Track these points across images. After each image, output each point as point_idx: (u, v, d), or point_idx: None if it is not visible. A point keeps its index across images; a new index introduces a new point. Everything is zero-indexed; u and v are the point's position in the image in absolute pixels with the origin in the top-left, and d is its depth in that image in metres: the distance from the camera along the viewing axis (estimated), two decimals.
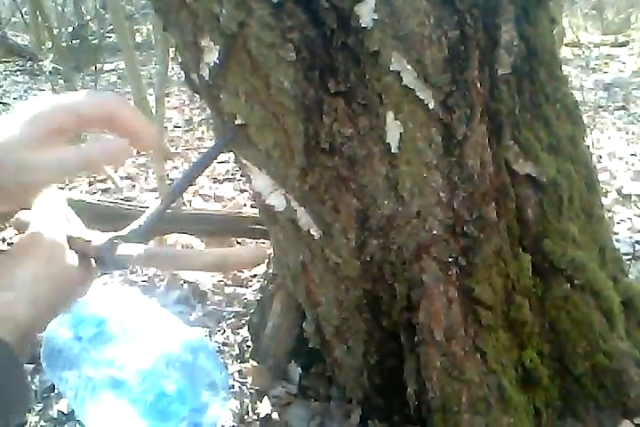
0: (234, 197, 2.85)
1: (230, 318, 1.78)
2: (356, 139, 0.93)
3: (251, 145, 0.99)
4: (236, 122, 0.97)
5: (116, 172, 3.22)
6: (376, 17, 0.85)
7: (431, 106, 0.92)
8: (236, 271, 2.07)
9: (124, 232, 0.66)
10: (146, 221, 0.70)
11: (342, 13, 0.85)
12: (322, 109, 0.91)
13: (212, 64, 0.92)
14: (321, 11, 0.85)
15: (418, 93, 0.91)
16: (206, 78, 0.95)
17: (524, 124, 1.02)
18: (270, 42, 0.86)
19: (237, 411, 1.34)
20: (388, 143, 0.93)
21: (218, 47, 0.90)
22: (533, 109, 1.03)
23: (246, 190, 2.86)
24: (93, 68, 5.66)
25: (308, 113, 0.91)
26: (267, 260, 1.51)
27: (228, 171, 3.19)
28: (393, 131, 0.92)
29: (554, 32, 1.08)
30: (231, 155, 1.23)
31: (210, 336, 1.67)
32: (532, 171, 1.03)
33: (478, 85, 0.94)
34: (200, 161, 0.90)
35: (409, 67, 0.88)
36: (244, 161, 1.06)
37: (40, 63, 5.74)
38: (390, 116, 0.91)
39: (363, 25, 0.86)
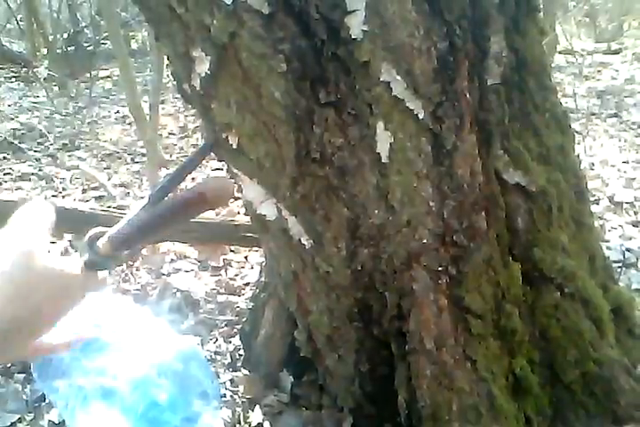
0: (227, 205, 2.85)
1: (222, 327, 1.78)
2: (347, 149, 0.94)
3: (242, 155, 0.99)
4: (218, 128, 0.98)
5: (109, 179, 3.23)
6: (366, 28, 0.86)
7: (421, 116, 0.92)
8: (228, 280, 2.08)
9: (108, 232, 0.65)
10: (127, 223, 0.69)
11: (333, 24, 0.86)
12: (312, 119, 0.91)
13: (204, 74, 0.93)
14: (311, 22, 0.85)
15: (408, 104, 0.91)
16: (198, 88, 0.96)
17: (513, 133, 1.02)
18: (261, 52, 0.87)
19: (229, 420, 1.34)
20: (379, 153, 0.94)
21: (209, 58, 0.90)
22: (523, 119, 1.04)
23: (239, 198, 2.86)
24: (88, 74, 5.67)
25: (299, 123, 0.91)
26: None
27: None
28: (383, 141, 0.93)
29: (543, 42, 1.09)
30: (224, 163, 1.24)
31: (202, 345, 1.66)
32: (522, 180, 1.04)
33: (468, 96, 0.95)
34: (184, 165, 0.88)
35: (399, 77, 0.89)
36: (236, 170, 1.06)
37: (35, 70, 5.76)
38: (380, 126, 0.92)
39: (353, 36, 0.86)
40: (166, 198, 0.68)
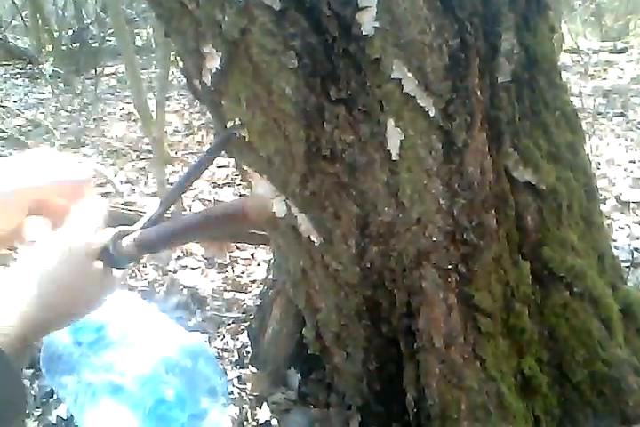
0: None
1: (230, 324, 1.77)
2: (357, 146, 0.93)
3: (252, 151, 0.99)
4: (230, 124, 0.98)
5: (115, 176, 3.23)
6: (377, 25, 0.85)
7: (432, 113, 0.92)
8: (235, 277, 2.08)
9: (133, 234, 0.65)
10: (145, 224, 0.70)
11: (344, 21, 0.85)
12: (323, 116, 0.91)
13: (214, 70, 0.93)
14: (323, 18, 0.85)
15: (418, 101, 0.91)
16: (208, 85, 0.96)
17: (523, 131, 1.02)
18: (272, 49, 0.86)
19: (236, 417, 1.34)
20: (389, 150, 0.93)
21: (220, 54, 0.90)
22: (533, 117, 1.03)
23: (246, 195, 2.86)
24: (93, 71, 5.68)
25: (310, 120, 0.91)
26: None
27: (227, 175, 3.20)
28: (394, 138, 0.93)
29: (553, 40, 1.09)
30: (231, 160, 1.24)
31: (209, 342, 1.66)
32: (532, 178, 1.03)
33: (478, 93, 0.95)
34: (199, 163, 0.90)
35: (410, 74, 0.89)
36: (245, 167, 1.06)
37: (40, 66, 5.76)
38: (391, 123, 0.92)
39: (364, 32, 0.86)
40: (201, 210, 0.69)
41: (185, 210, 2.57)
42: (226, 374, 1.47)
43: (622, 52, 6.48)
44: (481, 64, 0.94)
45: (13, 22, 7.35)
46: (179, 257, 2.25)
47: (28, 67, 6.53)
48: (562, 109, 1.07)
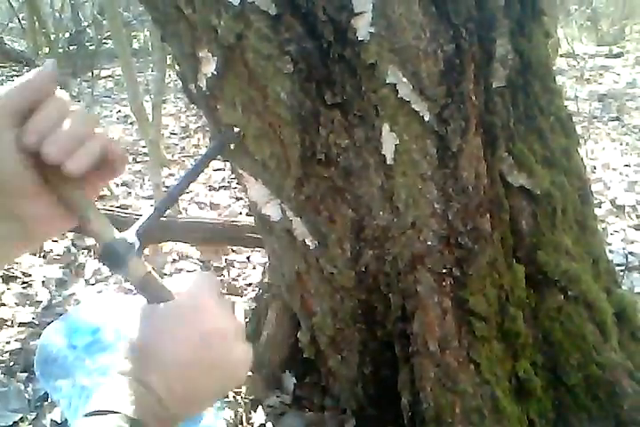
0: (229, 205, 2.85)
1: None
2: (352, 150, 0.94)
3: (247, 155, 0.99)
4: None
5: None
6: (373, 30, 0.86)
7: (426, 118, 0.92)
8: (230, 280, 2.08)
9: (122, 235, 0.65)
10: (141, 227, 0.70)
11: (339, 26, 0.86)
12: (318, 121, 0.91)
13: (210, 75, 0.93)
14: (318, 23, 0.85)
15: (413, 106, 0.91)
16: (204, 89, 0.96)
17: (518, 136, 1.02)
18: (268, 53, 0.87)
19: (232, 421, 1.34)
20: (384, 155, 0.94)
21: (215, 58, 0.91)
22: (528, 122, 1.04)
23: (242, 198, 2.87)
24: (90, 74, 5.67)
25: (305, 124, 0.92)
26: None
27: (223, 178, 3.20)
28: (388, 142, 0.93)
29: (548, 45, 1.09)
30: (227, 163, 1.24)
31: None
32: (526, 183, 1.04)
33: (473, 98, 0.95)
34: (195, 166, 0.89)
35: (405, 79, 0.89)
36: (241, 171, 1.06)
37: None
38: (386, 127, 0.92)
39: (359, 38, 0.86)
40: None
41: (180, 213, 2.56)
42: None
43: (618, 56, 6.51)
44: (476, 69, 0.95)
45: (10, 25, 7.34)
46: (174, 260, 2.25)
47: (25, 69, 6.51)
48: (556, 114, 1.08)
